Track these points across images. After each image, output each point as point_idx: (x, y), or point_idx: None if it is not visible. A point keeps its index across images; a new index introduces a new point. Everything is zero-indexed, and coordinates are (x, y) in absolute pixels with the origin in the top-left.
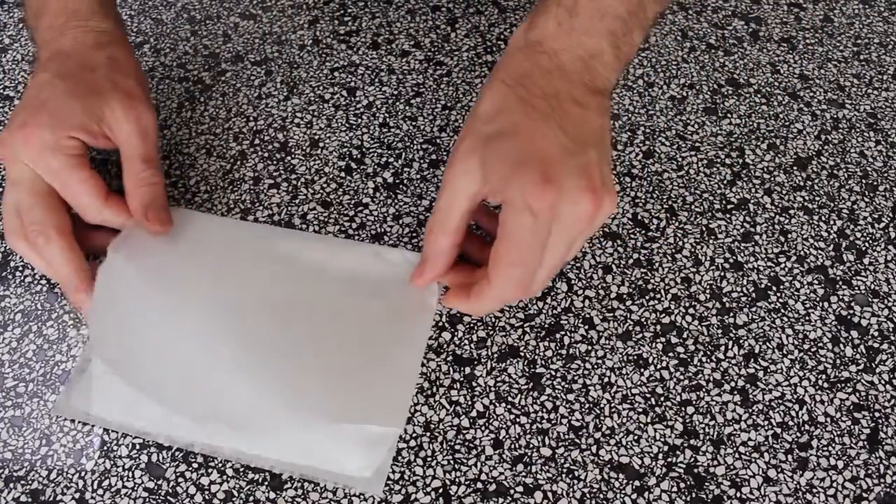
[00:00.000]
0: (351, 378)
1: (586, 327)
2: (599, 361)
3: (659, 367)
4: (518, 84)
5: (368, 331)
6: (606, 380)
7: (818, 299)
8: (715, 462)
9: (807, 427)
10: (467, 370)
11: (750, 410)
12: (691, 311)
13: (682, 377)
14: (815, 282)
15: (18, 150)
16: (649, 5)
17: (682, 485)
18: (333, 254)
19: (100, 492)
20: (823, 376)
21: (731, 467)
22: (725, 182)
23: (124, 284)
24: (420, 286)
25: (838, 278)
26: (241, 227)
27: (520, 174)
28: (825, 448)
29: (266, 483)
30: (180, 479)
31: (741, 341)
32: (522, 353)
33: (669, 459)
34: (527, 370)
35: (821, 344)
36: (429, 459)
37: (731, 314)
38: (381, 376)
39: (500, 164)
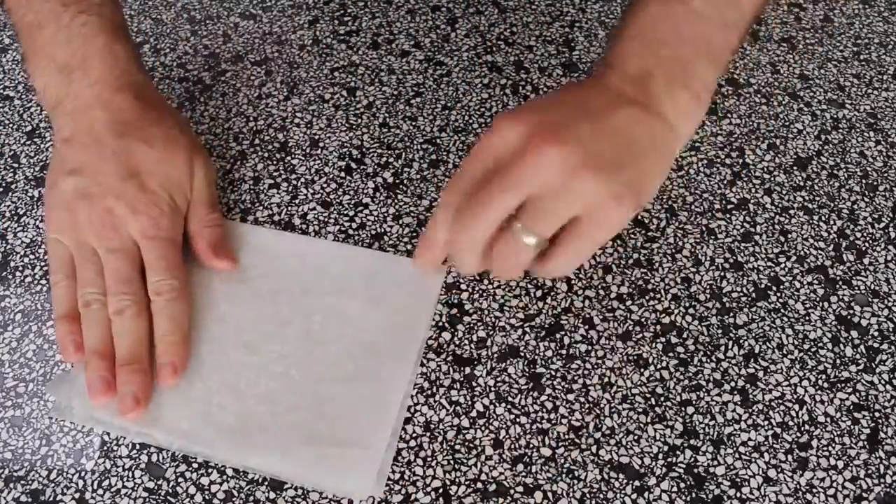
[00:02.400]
0: (338, 398)
1: (586, 327)
2: (599, 361)
3: (659, 367)
4: (563, 89)
5: (363, 344)
6: (606, 380)
7: (818, 299)
8: (715, 462)
9: (807, 427)
10: (467, 370)
11: (750, 410)
12: (691, 311)
13: (682, 377)
14: (815, 282)
15: (127, 222)
16: (716, 33)
17: (682, 485)
18: (332, 258)
19: (100, 492)
20: (823, 376)
21: (731, 467)
22: (725, 182)
23: None
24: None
25: (838, 278)
26: (244, 231)
27: (505, 111)
28: (825, 448)
29: (266, 483)
30: (180, 479)
31: (741, 341)
32: (522, 353)
33: (669, 459)
34: (527, 370)
35: (821, 344)
36: (429, 459)
37: (731, 314)
38: (369, 392)
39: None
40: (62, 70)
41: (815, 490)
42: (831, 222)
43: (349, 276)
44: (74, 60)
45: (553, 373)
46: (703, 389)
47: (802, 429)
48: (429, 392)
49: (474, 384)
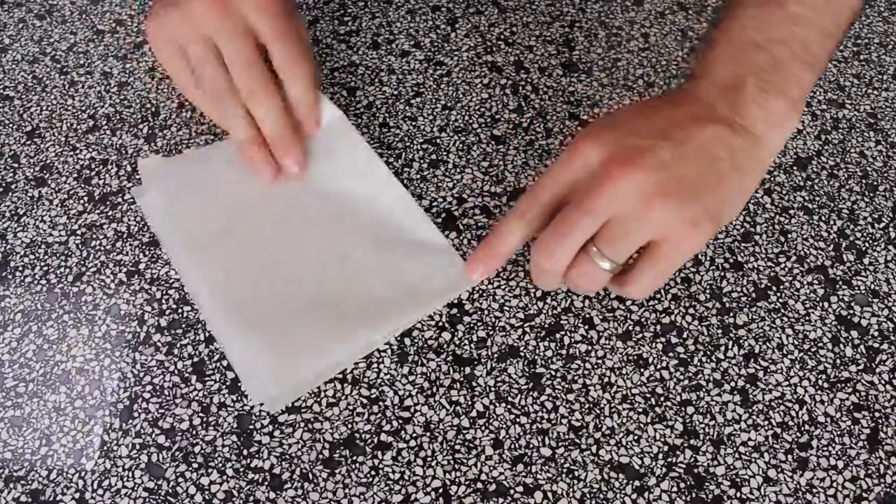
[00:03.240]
0: (315, 315)
1: (586, 327)
2: (599, 361)
3: (659, 367)
4: (648, 101)
5: (367, 287)
6: (606, 380)
7: (818, 299)
8: (715, 462)
9: (807, 427)
10: (467, 370)
11: (750, 410)
12: (691, 311)
13: (682, 377)
14: (815, 282)
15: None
16: (813, 38)
17: (682, 485)
18: (399, 211)
19: (100, 492)
20: (823, 376)
21: (731, 467)
22: None
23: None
24: (475, 276)
25: (838, 278)
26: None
27: (587, 129)
28: (825, 448)
29: (266, 483)
30: (180, 479)
31: (741, 341)
32: (522, 353)
33: (669, 459)
34: (527, 370)
35: (821, 344)
36: (429, 459)
37: (731, 314)
38: (337, 327)
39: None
40: None
41: (815, 490)
42: (831, 222)
43: (399, 231)
44: None
45: (553, 373)
46: (703, 389)
47: (802, 429)
48: (429, 392)
49: (474, 384)
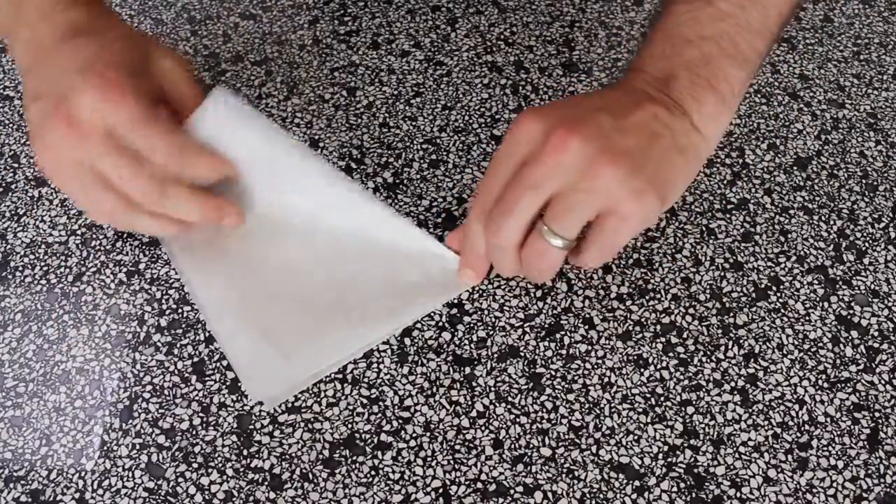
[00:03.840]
0: (311, 315)
1: (586, 327)
2: (599, 361)
3: (659, 367)
4: (590, 93)
5: (360, 288)
6: (606, 380)
7: (818, 299)
8: (715, 462)
9: (807, 427)
10: (467, 370)
11: (750, 410)
12: (691, 311)
13: (682, 377)
14: (815, 282)
15: (93, 103)
16: (742, 35)
17: (682, 485)
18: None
19: (100, 492)
20: (823, 376)
21: (731, 467)
22: (725, 182)
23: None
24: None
25: (838, 278)
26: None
27: (527, 109)
28: (825, 448)
29: (266, 483)
30: (180, 479)
31: (741, 341)
32: (522, 353)
33: (669, 459)
34: (527, 370)
35: (821, 344)
36: (429, 459)
37: (731, 314)
38: (331, 329)
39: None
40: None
41: (815, 490)
42: (831, 222)
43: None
44: None
45: (553, 373)
46: (703, 389)
47: (802, 429)
48: (429, 392)
49: (474, 384)
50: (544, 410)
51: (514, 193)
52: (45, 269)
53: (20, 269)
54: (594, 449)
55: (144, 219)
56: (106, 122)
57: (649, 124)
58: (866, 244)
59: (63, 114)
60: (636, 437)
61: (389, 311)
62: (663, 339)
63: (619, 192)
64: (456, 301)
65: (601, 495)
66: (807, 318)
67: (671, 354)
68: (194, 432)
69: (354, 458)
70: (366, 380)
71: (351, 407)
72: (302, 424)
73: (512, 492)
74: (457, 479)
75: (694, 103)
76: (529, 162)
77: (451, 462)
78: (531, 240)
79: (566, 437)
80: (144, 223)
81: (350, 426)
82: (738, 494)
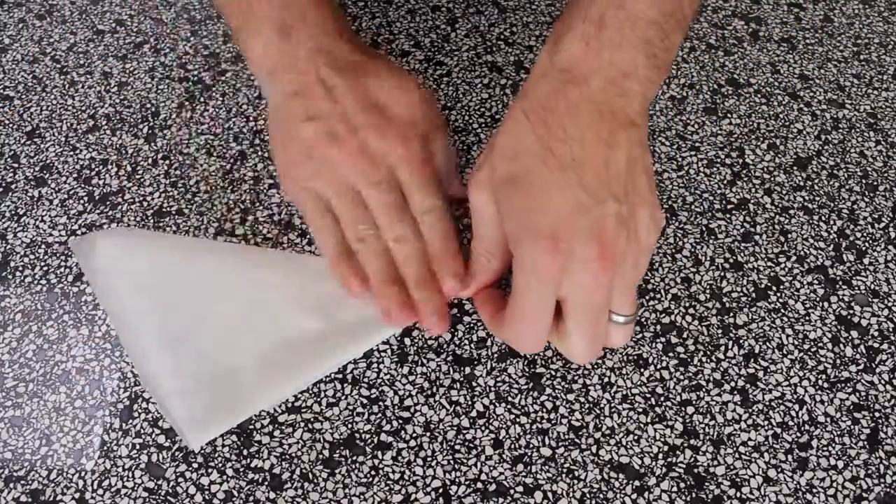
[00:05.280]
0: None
1: None
2: (599, 361)
3: (659, 367)
4: (540, 121)
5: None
6: (606, 380)
7: (818, 299)
8: (715, 462)
9: (807, 427)
10: (467, 370)
11: (750, 410)
12: (691, 311)
13: (682, 377)
14: (815, 282)
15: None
16: (686, 1)
17: (682, 485)
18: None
19: (100, 492)
20: (823, 376)
21: (731, 467)
22: (725, 182)
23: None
24: (459, 296)
25: (838, 278)
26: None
27: (530, 237)
28: (825, 448)
29: (266, 483)
30: (180, 479)
31: (741, 341)
32: (522, 353)
33: (669, 459)
34: (527, 370)
35: (821, 344)
36: (429, 459)
37: (731, 314)
38: (269, 369)
39: (513, 218)
40: (281, 30)
41: (815, 490)
42: (831, 222)
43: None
44: (291, 18)
45: (553, 373)
46: (703, 389)
47: (802, 429)
48: (429, 392)
49: (474, 384)
50: (544, 410)
51: (588, 315)
52: (45, 269)
53: (20, 269)
54: (594, 449)
55: (381, 248)
56: (396, 156)
57: (633, 156)
58: (866, 244)
59: (356, 147)
60: (636, 437)
61: (328, 349)
62: (663, 339)
63: (650, 245)
64: (456, 301)
65: (601, 495)
66: (807, 318)
67: (671, 354)
68: None
69: (354, 458)
70: (366, 380)
71: (351, 407)
72: (302, 424)
73: (512, 492)
74: (457, 479)
75: (651, 93)
76: (583, 290)
77: (451, 462)
78: (611, 334)
79: (566, 437)
80: (377, 251)
81: (350, 426)
82: (738, 494)
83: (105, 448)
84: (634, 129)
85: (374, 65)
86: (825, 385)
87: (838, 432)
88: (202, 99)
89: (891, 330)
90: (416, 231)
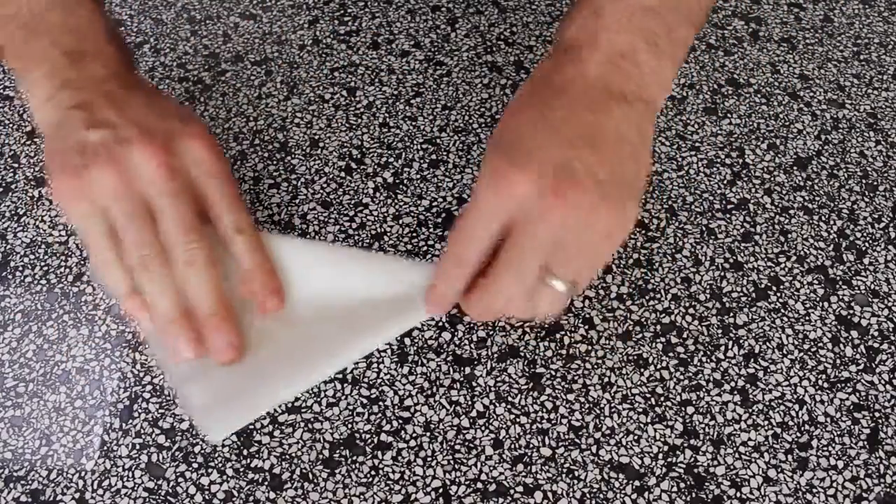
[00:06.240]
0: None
1: (586, 327)
2: (599, 361)
3: (659, 367)
4: (537, 93)
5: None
6: (606, 380)
7: (818, 299)
8: (715, 462)
9: (807, 427)
10: (467, 370)
11: (750, 410)
12: (691, 311)
13: (682, 377)
14: (815, 282)
15: (196, 151)
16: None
17: (682, 485)
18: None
19: (100, 492)
20: (823, 376)
21: (731, 467)
22: (725, 182)
23: None
24: (434, 301)
25: (838, 278)
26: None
27: (495, 155)
28: (825, 448)
29: (266, 483)
30: (180, 479)
31: (741, 341)
32: (522, 353)
33: (669, 459)
34: (527, 370)
35: (821, 344)
36: (429, 459)
37: (731, 314)
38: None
39: (486, 160)
40: (71, 55)
41: (815, 490)
42: (831, 222)
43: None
44: (84, 48)
45: (553, 373)
46: (703, 389)
47: (802, 429)
48: (429, 392)
49: (474, 384)
50: (544, 410)
51: (521, 253)
52: (45, 269)
53: (20, 269)
54: (594, 449)
55: (169, 279)
56: (201, 169)
57: (621, 132)
58: (866, 244)
59: (159, 148)
60: (636, 437)
61: (358, 336)
62: (663, 339)
63: (616, 226)
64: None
65: (601, 495)
66: (807, 318)
67: (671, 354)
68: (194, 432)
69: (354, 458)
70: (366, 380)
71: (351, 407)
72: (302, 424)
73: (512, 492)
74: (457, 479)
75: (652, 77)
76: (529, 221)
77: (451, 462)
78: (538, 291)
79: (566, 437)
80: (164, 282)
81: (350, 426)
82: (738, 494)
83: (105, 448)
84: (627, 106)
85: (168, 101)
86: (825, 385)
87: (838, 432)
88: (202, 99)
89: (891, 330)
90: (210, 253)
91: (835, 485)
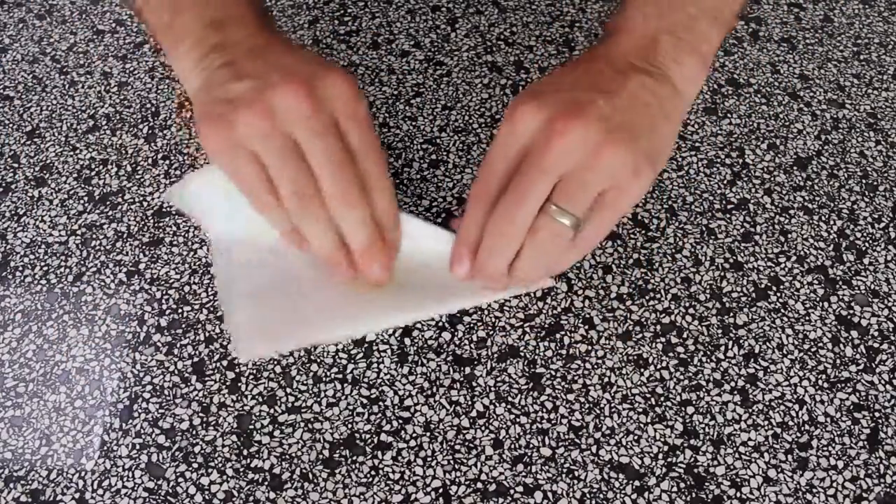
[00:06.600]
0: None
1: (586, 327)
2: (599, 361)
3: (659, 367)
4: (570, 69)
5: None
6: (606, 380)
7: (818, 299)
8: (715, 462)
9: (807, 427)
10: (467, 370)
11: (750, 410)
12: (691, 311)
13: (682, 377)
14: (815, 282)
15: (342, 89)
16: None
17: (682, 485)
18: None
19: (100, 492)
20: (823, 376)
21: (731, 467)
22: (725, 182)
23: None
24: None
25: (838, 278)
26: None
27: (518, 98)
28: (825, 448)
29: (266, 483)
30: (180, 479)
31: (741, 341)
32: (522, 353)
33: (669, 459)
34: (527, 370)
35: (821, 344)
36: (429, 459)
37: (731, 314)
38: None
39: (513, 101)
40: (213, 24)
41: (815, 490)
42: (831, 222)
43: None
44: (226, 15)
45: (553, 373)
46: (703, 389)
47: (802, 429)
48: (429, 392)
49: (474, 384)
50: (544, 410)
51: (525, 180)
52: (45, 269)
53: (20, 269)
54: (594, 449)
55: (325, 215)
56: (343, 110)
57: (639, 95)
58: (866, 244)
59: (304, 86)
60: (636, 437)
61: (410, 302)
62: (663, 339)
63: (622, 171)
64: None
65: (601, 495)
66: (807, 318)
67: (671, 354)
68: (194, 432)
69: (354, 458)
70: (366, 380)
71: (351, 407)
72: (302, 424)
73: (512, 492)
74: (457, 479)
75: (676, 67)
76: (536, 149)
77: (451, 462)
78: (541, 223)
79: (566, 437)
80: (321, 220)
81: (350, 426)
82: (738, 494)
83: (105, 448)
84: (651, 78)
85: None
86: (825, 385)
87: (838, 432)
88: None
89: (891, 330)
90: (363, 192)
91: (835, 485)
